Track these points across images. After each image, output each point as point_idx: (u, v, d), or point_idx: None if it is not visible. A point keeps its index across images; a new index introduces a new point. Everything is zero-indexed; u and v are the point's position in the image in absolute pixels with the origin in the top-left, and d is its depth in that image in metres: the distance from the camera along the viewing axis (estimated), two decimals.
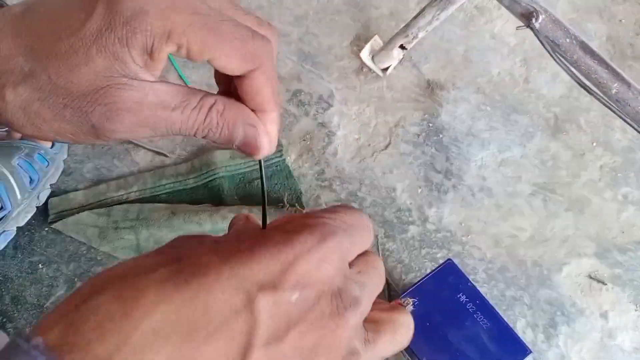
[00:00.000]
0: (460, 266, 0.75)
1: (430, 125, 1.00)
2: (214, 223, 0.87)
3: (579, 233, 0.91)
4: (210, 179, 0.92)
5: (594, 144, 0.97)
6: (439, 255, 0.89)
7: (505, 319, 0.82)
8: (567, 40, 0.62)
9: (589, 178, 0.95)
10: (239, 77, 0.32)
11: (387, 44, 1.00)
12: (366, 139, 0.99)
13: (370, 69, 1.03)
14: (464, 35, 1.07)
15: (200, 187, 0.92)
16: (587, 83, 0.61)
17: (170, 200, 0.92)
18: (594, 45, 1.07)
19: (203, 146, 0.96)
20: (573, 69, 0.61)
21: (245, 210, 0.89)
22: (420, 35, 0.96)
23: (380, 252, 0.88)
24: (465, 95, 1.02)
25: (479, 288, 0.79)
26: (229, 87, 0.35)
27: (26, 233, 0.89)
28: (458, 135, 0.99)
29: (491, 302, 0.84)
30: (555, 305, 0.86)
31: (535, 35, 0.61)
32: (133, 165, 0.95)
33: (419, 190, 0.94)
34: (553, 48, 0.62)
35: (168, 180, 0.92)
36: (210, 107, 0.32)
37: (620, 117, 0.61)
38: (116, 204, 0.90)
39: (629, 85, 0.61)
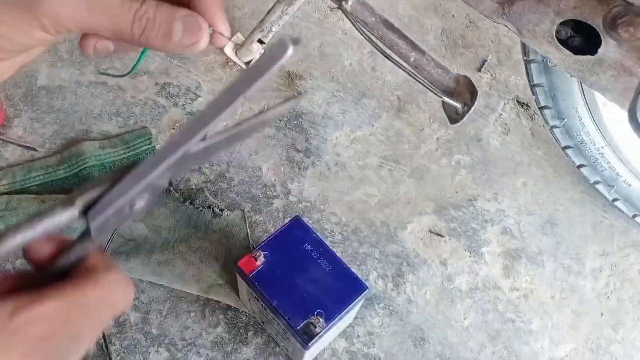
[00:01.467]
0: (312, 225, 0.85)
1: (291, 111, 1.10)
2: None
3: (419, 196, 1.04)
4: (80, 168, 0.96)
5: (431, 120, 1.12)
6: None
7: (359, 273, 0.93)
8: (373, 19, 0.74)
9: (427, 149, 1.09)
10: None
11: (247, 39, 1.09)
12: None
13: (235, 63, 1.12)
14: (319, 31, 1.20)
15: (71, 177, 0.96)
16: (391, 54, 0.74)
17: (40, 192, 0.95)
18: (430, 37, 1.23)
19: (72, 139, 1.00)
20: (378, 43, 0.73)
21: None
22: (274, 29, 1.07)
23: (247, 225, 0.97)
24: (321, 83, 1.14)
25: (335, 249, 0.90)
26: None
27: None
28: (316, 118, 1.10)
29: (346, 259, 0.95)
30: (402, 257, 0.98)
31: (345, 14, 0.73)
32: (2, 160, 0.97)
33: (282, 168, 1.04)
34: (362, 26, 0.74)
35: (37, 173, 0.95)
36: (144, 1, 0.32)
37: (419, 82, 0.74)
38: None
39: (423, 53, 0.74)
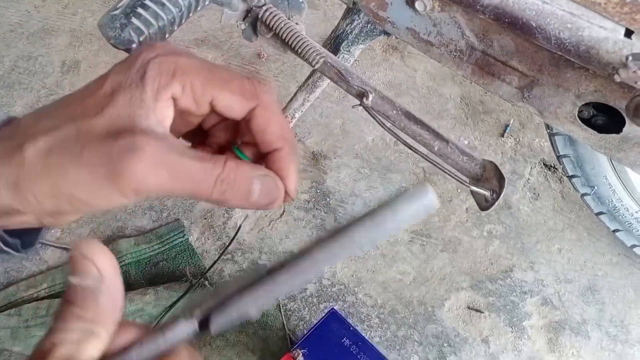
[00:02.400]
0: (346, 314, 0.85)
1: (318, 191, 1.12)
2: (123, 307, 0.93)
3: (454, 270, 1.03)
4: None
5: (459, 190, 1.12)
6: (336, 307, 0.98)
7: (399, 358, 0.92)
8: (394, 112, 0.75)
9: (457, 220, 1.09)
10: (245, 122, 0.34)
11: None
12: (263, 211, 1.09)
13: None
14: (340, 110, 1.22)
15: None
16: (414, 144, 0.75)
17: None
18: (450, 106, 1.25)
19: (109, 236, 1.03)
20: (401, 135, 0.74)
21: (151, 291, 0.95)
22: (297, 115, 1.10)
23: (282, 313, 0.97)
24: (345, 161, 1.16)
25: (373, 334, 0.89)
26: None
27: None
28: (343, 197, 1.11)
29: (385, 343, 0.94)
30: (442, 338, 0.96)
31: (367, 111, 0.75)
32: (42, 263, 1.00)
33: None
34: (384, 119, 0.75)
35: None
36: (225, 162, 0.32)
37: (445, 172, 0.74)
38: (27, 303, 0.94)
39: (447, 141, 0.75)
